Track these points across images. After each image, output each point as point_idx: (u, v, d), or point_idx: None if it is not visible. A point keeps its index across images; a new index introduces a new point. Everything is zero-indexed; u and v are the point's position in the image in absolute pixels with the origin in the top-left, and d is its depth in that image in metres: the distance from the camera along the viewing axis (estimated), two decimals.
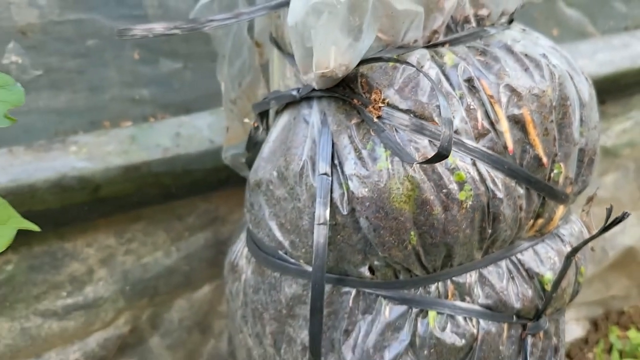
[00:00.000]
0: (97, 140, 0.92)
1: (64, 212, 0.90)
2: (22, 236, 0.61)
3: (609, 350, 1.52)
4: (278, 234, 0.71)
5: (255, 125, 0.78)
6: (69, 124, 0.94)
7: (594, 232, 0.66)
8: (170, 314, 1.11)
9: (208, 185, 1.01)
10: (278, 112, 0.76)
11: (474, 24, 0.69)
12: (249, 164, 0.85)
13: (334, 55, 0.59)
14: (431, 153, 0.62)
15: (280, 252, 0.72)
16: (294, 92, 0.70)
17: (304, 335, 0.71)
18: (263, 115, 0.80)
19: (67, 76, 0.92)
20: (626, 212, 0.57)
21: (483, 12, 0.69)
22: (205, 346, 1.17)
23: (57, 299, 0.98)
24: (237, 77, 0.85)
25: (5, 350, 0.98)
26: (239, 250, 0.80)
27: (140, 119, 1.00)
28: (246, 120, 0.86)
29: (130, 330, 1.07)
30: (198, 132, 0.96)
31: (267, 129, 0.81)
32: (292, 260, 0.71)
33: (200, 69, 1.02)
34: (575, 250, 0.65)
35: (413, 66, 0.61)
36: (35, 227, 0.66)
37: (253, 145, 0.82)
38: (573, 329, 1.66)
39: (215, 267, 1.13)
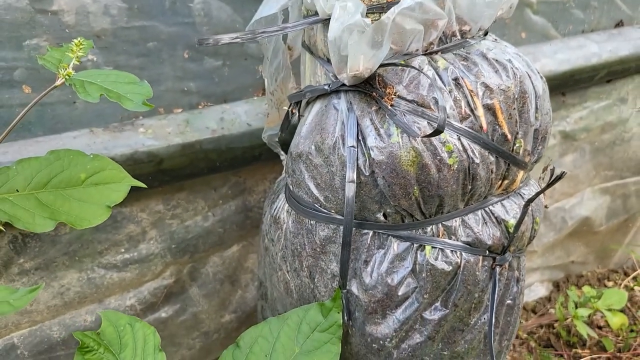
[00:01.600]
0: (159, 123, 1.01)
1: None
2: None
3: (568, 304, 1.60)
4: (315, 192, 0.83)
5: (293, 111, 0.89)
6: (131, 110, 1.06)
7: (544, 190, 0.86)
8: (206, 269, 1.23)
9: (245, 160, 1.10)
10: (309, 102, 0.87)
11: (459, 36, 0.80)
12: (281, 142, 0.97)
13: (362, 62, 0.71)
14: (429, 130, 0.75)
15: (316, 205, 0.84)
16: (326, 86, 0.81)
17: (333, 267, 0.85)
18: (297, 104, 0.90)
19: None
20: (564, 172, 0.75)
21: (466, 28, 0.80)
22: (235, 295, 1.28)
23: (117, 254, 1.09)
24: (275, 74, 0.96)
25: (74, 297, 1.07)
26: (280, 207, 0.93)
27: (188, 107, 1.08)
28: (284, 107, 0.96)
29: (175, 281, 1.18)
30: (238, 117, 1.06)
31: (299, 114, 0.92)
32: (325, 211, 0.83)
33: (235, 66, 1.09)
34: (529, 202, 0.81)
35: (416, 68, 0.75)
36: (142, 184, 0.75)
37: (287, 127, 0.93)
38: (538, 289, 1.77)
39: (243, 229, 1.23)
